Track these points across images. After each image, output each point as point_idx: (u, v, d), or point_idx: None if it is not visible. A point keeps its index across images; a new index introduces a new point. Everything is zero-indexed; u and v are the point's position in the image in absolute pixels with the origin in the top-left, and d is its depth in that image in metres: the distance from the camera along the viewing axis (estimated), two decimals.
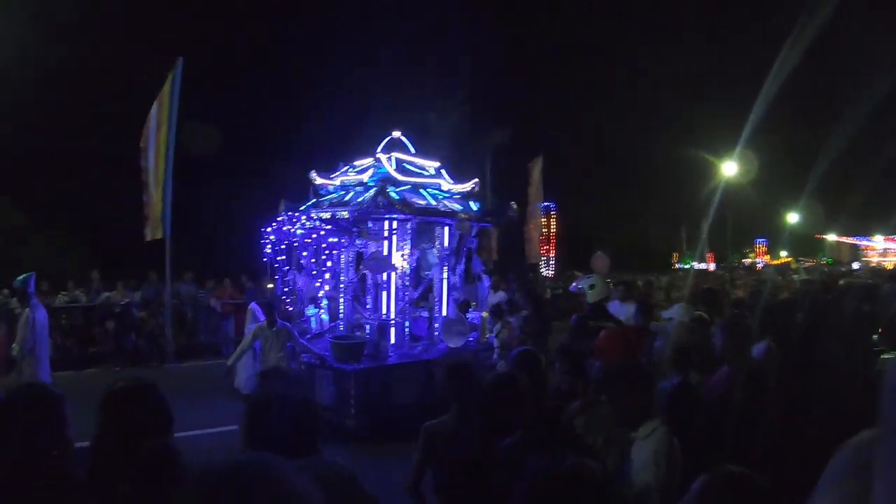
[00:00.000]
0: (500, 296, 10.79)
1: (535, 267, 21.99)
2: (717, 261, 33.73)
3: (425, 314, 9.06)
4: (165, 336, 12.63)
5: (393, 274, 8.12)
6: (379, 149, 8.89)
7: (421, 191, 8.53)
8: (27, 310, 7.19)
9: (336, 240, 7.90)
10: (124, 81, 17.80)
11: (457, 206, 8.61)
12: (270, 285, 9.01)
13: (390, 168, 8.17)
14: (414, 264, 9.05)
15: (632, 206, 33.17)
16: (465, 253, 9.16)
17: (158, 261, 12.98)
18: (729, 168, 26.34)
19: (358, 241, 8.13)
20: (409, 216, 7.94)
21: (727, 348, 3.96)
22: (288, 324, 7.39)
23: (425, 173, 8.75)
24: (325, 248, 7.87)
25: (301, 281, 8.60)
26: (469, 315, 9.13)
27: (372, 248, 8.32)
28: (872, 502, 1.01)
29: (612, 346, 4.53)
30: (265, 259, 8.42)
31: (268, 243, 8.33)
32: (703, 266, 32.42)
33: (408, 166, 8.72)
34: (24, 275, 7.33)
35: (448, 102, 22.69)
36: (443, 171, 9.17)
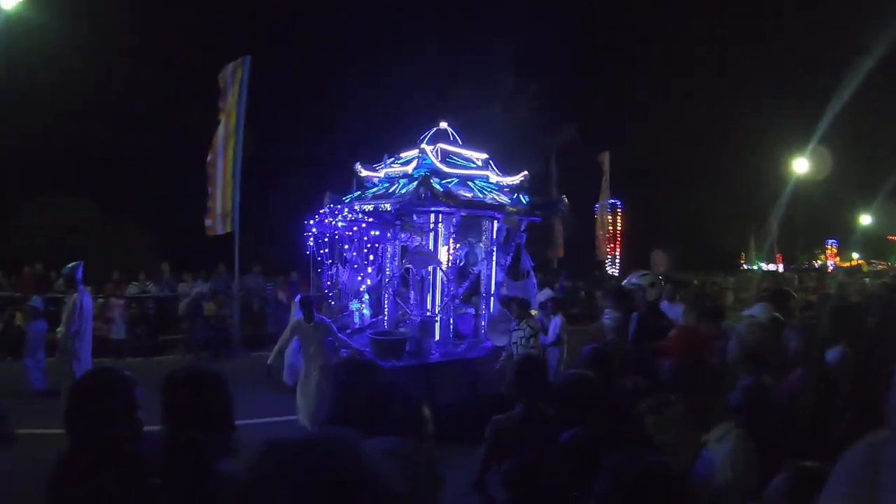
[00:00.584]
0: (547, 293, 10.19)
1: (602, 264, 21.24)
2: (786, 262, 31.72)
3: (472, 311, 8.59)
4: (233, 327, 12.70)
5: (437, 269, 7.67)
6: (425, 140, 8.48)
7: (468, 183, 8.06)
8: (74, 295, 7.25)
9: (378, 233, 7.54)
10: (192, 76, 17.99)
11: (504, 200, 8.09)
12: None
13: (435, 159, 7.75)
14: (462, 259, 8.62)
15: (700, 204, 31.48)
16: (513, 248, 8.65)
17: (227, 254, 13.10)
18: (800, 165, 24.65)
19: (402, 235, 7.74)
20: (453, 209, 7.48)
21: (801, 351, 3.86)
22: (327, 319, 7.07)
23: (472, 165, 8.27)
24: (366, 242, 7.50)
25: (344, 275, 8.30)
26: None
27: (417, 241, 7.93)
28: (883, 502, 0.99)
29: (683, 345, 4.36)
30: (308, 252, 8.15)
31: (310, 236, 8.06)
32: (771, 267, 30.59)
33: (454, 158, 8.28)
34: (73, 263, 7.39)
35: (512, 96, 22.13)
36: (491, 163, 8.66)
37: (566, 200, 8.60)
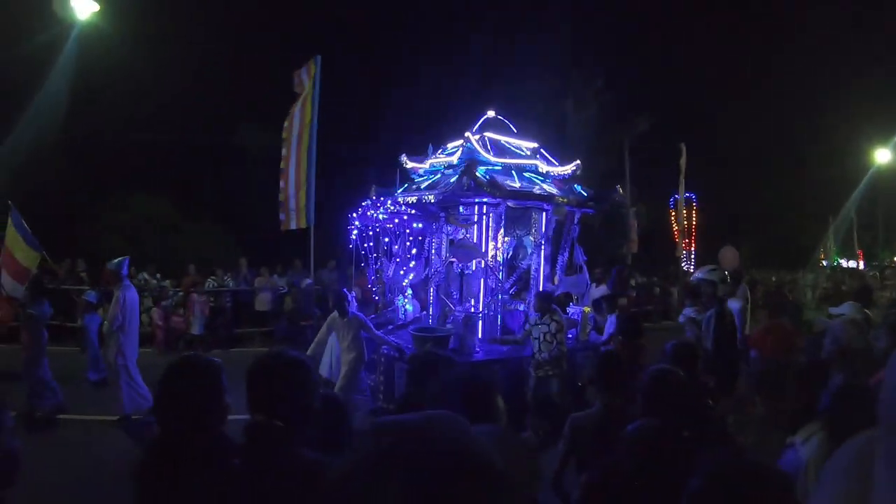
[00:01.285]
0: (602, 290, 9.47)
1: (678, 261, 20.27)
2: (866, 259, 29.24)
3: (522, 307, 8.02)
4: (308, 319, 12.71)
5: (482, 263, 7.15)
6: (473, 129, 7.97)
7: (514, 172, 7.50)
8: (119, 290, 7.17)
9: (420, 225, 7.09)
10: (264, 76, 18.13)
11: (554, 190, 7.48)
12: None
13: (480, 147, 7.22)
14: (509, 253, 8.08)
15: (778, 198, 29.43)
16: (566, 241, 8.02)
17: (303, 249, 13.14)
18: (882, 156, 22.53)
19: (448, 228, 7.27)
20: (498, 199, 6.94)
21: (889, 350, 3.53)
22: (360, 314, 6.71)
23: (521, 153, 7.69)
24: (408, 234, 7.08)
25: (389, 269, 7.92)
26: (570, 310, 7.98)
27: (461, 234, 7.44)
28: (872, 502, 0.96)
29: (770, 342, 4.29)
30: (351, 246, 7.80)
31: (353, 229, 7.72)
32: (851, 264, 28.27)
33: (501, 147, 7.72)
34: (118, 259, 7.37)
35: (582, 87, 21.24)
36: (542, 152, 8.05)
37: (620, 190, 7.88)
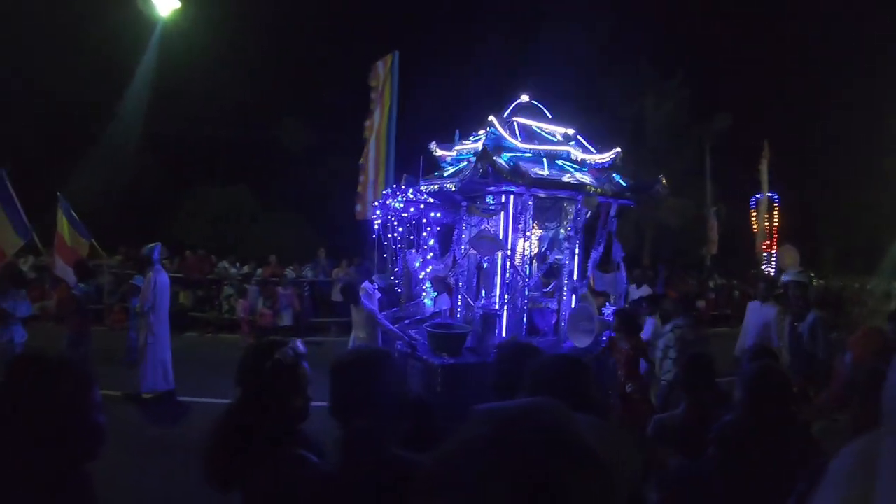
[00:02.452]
0: (644, 291, 8.47)
1: (758, 263, 18.74)
2: None
3: (554, 305, 7.22)
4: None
5: (503, 256, 6.43)
6: (504, 114, 7.23)
7: (545, 159, 6.71)
8: (150, 274, 7.13)
9: (439, 215, 6.47)
10: (339, 69, 18.05)
11: (587, 179, 6.62)
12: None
13: (504, 131, 6.48)
14: (545, 246, 7.30)
15: (863, 200, 26.42)
16: (602, 236, 7.13)
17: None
18: None
19: (473, 218, 6.61)
20: (521, 188, 6.19)
21: None
22: (373, 307, 6.20)
23: (552, 139, 6.88)
24: (426, 225, 6.48)
25: (413, 261, 7.36)
26: (605, 310, 7.11)
27: (484, 225, 6.75)
28: (877, 499, 0.93)
29: (865, 347, 3.92)
30: (374, 236, 7.30)
31: (376, 219, 7.20)
32: None
33: (532, 133, 6.93)
34: (151, 244, 7.33)
35: (664, 86, 19.80)
36: (580, 139, 7.20)
37: (664, 181, 6.88)
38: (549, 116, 7.47)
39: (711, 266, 17.17)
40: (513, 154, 6.64)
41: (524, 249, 6.69)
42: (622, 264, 7.23)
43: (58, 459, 1.39)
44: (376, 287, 7.58)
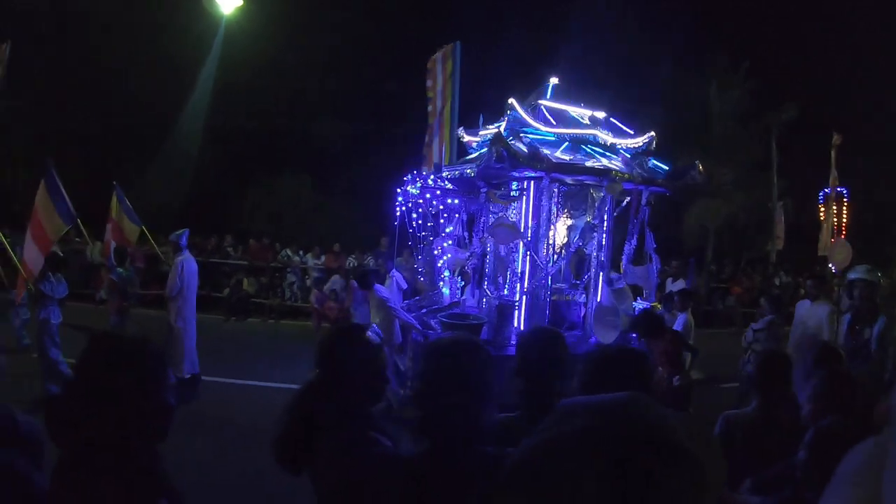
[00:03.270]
0: (680, 285, 7.76)
1: (825, 259, 17.25)
2: None
3: (582, 298, 6.73)
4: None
5: (523, 245, 6.01)
6: (531, 98, 6.77)
7: (571, 143, 6.21)
8: (178, 259, 7.17)
9: (456, 201, 6.13)
10: (396, 60, 17.92)
11: (615, 165, 6.07)
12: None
13: (524, 114, 6.02)
14: (574, 236, 6.80)
15: None
16: (634, 225, 6.55)
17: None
18: None
19: (491, 205, 6.23)
20: (540, 172, 5.74)
21: None
22: (385, 294, 5.98)
23: (579, 122, 6.35)
24: (443, 212, 6.16)
25: (436, 248, 7.05)
26: (636, 304, 6.55)
27: (500, 212, 6.35)
28: (885, 498, 0.93)
29: None
30: (396, 224, 7.04)
31: (398, 206, 6.94)
32: None
33: (558, 116, 6.44)
34: (179, 231, 7.41)
35: (730, 75, 18.44)
36: (613, 122, 6.64)
37: (700, 166, 6.20)
38: (581, 103, 6.95)
39: (777, 262, 15.82)
40: (536, 138, 6.18)
41: (548, 238, 6.23)
42: (654, 256, 6.61)
43: (136, 438, 1.39)
44: (403, 276, 7.36)
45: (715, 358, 7.77)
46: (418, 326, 6.09)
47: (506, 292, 6.47)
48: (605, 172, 5.84)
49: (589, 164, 5.91)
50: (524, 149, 5.70)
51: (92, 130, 17.92)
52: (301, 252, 16.61)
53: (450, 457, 1.66)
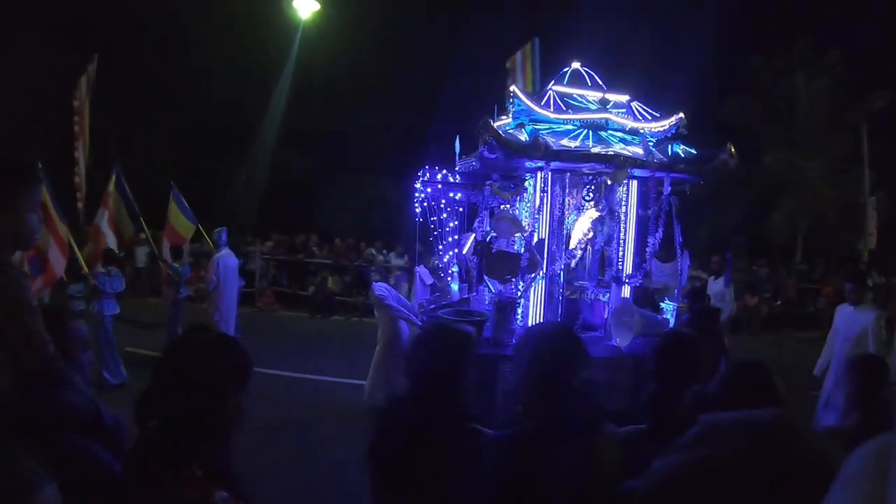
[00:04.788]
0: (721, 284, 6.72)
1: None
2: None
3: (606, 297, 6.05)
4: None
5: (522, 238, 5.48)
6: (550, 84, 6.18)
7: (589, 131, 5.55)
8: (216, 255, 7.41)
9: (459, 195, 5.72)
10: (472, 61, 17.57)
11: (629, 151, 5.35)
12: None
13: (528, 101, 5.47)
14: (595, 231, 6.13)
15: None
16: (657, 217, 5.76)
17: None
18: None
19: (490, 197, 5.76)
20: (538, 161, 5.17)
21: None
22: (383, 290, 5.71)
23: (589, 108, 5.67)
24: (444, 206, 5.78)
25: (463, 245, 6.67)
26: (663, 305, 5.77)
27: (515, 204, 5.83)
28: (891, 497, 0.90)
29: None
30: (417, 219, 6.73)
31: (417, 201, 6.63)
32: None
33: (571, 102, 5.79)
34: (218, 229, 7.67)
35: (818, 63, 16.36)
36: (634, 106, 5.89)
37: (731, 149, 5.29)
38: (603, 87, 6.24)
39: (870, 261, 13.66)
40: (544, 127, 5.59)
41: (561, 231, 5.64)
42: (683, 251, 5.76)
43: (208, 431, 1.40)
44: (423, 274, 7.05)
45: (802, 363, 6.69)
46: (417, 322, 5.75)
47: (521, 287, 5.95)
48: (611, 158, 5.15)
49: (595, 150, 5.24)
50: (523, 137, 5.17)
51: (178, 134, 18.98)
52: (385, 251, 16.71)
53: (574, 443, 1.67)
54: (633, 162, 5.17)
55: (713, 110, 16.36)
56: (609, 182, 5.39)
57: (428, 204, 6.71)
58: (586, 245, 6.26)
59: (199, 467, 1.34)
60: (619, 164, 5.07)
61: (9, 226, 1.79)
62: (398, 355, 5.94)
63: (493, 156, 5.17)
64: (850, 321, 4.93)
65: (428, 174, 6.23)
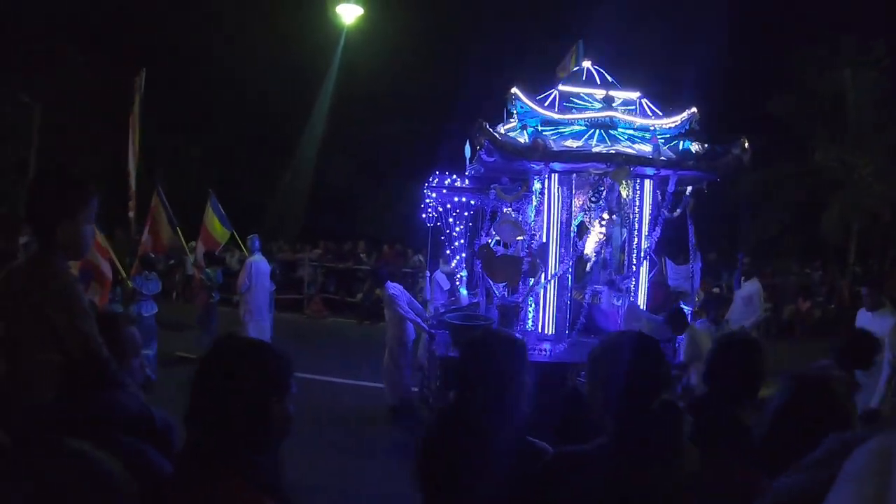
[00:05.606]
0: (753, 286, 6.25)
1: None
2: None
3: (619, 301, 5.78)
4: None
5: (526, 241, 5.32)
6: (558, 85, 6.00)
7: (592, 131, 5.35)
8: (248, 260, 7.87)
9: (464, 200, 5.64)
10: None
11: (632, 150, 5.10)
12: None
13: (530, 102, 5.31)
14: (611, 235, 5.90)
15: None
16: (656, 217, 5.46)
17: None
18: None
19: (496, 201, 5.64)
20: (538, 163, 5.01)
21: None
22: (394, 289, 5.71)
23: (594, 106, 5.45)
24: (451, 210, 5.71)
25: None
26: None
27: (530, 210, 5.67)
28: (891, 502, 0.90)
29: None
30: (429, 224, 6.69)
31: (431, 207, 6.58)
32: None
33: (576, 100, 5.60)
34: (251, 235, 7.89)
35: (863, 54, 15.26)
36: (643, 103, 5.62)
37: (745, 143, 4.93)
38: (613, 83, 6.00)
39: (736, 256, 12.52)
40: (554, 128, 5.41)
41: (569, 235, 5.43)
42: (696, 253, 5.42)
43: (252, 438, 1.37)
44: (442, 278, 6.99)
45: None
46: (424, 325, 5.70)
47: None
48: (612, 157, 4.91)
49: (598, 149, 5.02)
50: (523, 139, 5.02)
51: (222, 143, 19.43)
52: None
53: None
54: (637, 160, 4.91)
55: (759, 108, 15.50)
56: (648, 184, 5.14)
57: (441, 209, 6.65)
58: (601, 248, 6.02)
59: (249, 478, 1.31)
60: (619, 163, 4.83)
61: (66, 235, 1.87)
62: (403, 356, 5.94)
63: (492, 159, 5.05)
64: (868, 326, 4.45)
65: (437, 179, 6.17)
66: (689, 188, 5.83)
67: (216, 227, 9.21)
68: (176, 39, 17.08)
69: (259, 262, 7.76)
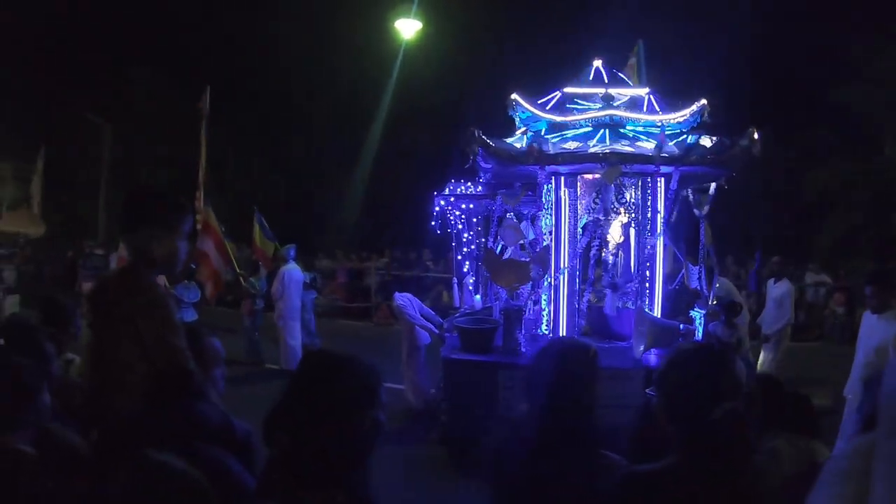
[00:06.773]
0: (785, 285, 5.75)
1: None
2: None
3: (631, 304, 5.58)
4: None
5: (522, 244, 5.23)
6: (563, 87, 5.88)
7: (602, 131, 5.20)
8: (283, 268, 8.09)
9: (471, 206, 5.64)
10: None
11: (631, 148, 4.90)
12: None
13: (530, 107, 5.24)
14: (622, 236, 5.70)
15: None
16: (655, 216, 5.19)
17: None
18: None
19: (501, 205, 5.59)
20: (535, 166, 4.93)
21: None
22: (403, 298, 5.77)
23: (592, 107, 5.28)
24: (459, 216, 5.72)
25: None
26: (693, 313, 5.18)
27: (544, 214, 5.58)
28: (873, 497, 0.91)
29: None
30: (440, 232, 6.71)
31: (436, 212, 6.60)
32: None
33: (580, 101, 5.47)
34: (287, 245, 8.35)
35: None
36: (652, 99, 5.41)
37: (754, 134, 4.59)
38: (631, 83, 5.82)
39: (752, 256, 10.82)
40: (559, 131, 5.30)
41: (574, 238, 5.28)
42: (708, 251, 5.10)
43: (353, 455, 1.35)
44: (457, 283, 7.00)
45: None
46: (434, 330, 5.72)
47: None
48: (606, 157, 4.73)
49: (594, 150, 4.85)
50: (518, 145, 4.95)
51: (289, 158, 19.87)
52: None
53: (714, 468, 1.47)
54: (633, 158, 4.70)
55: (823, 101, 14.37)
56: (661, 182, 4.94)
57: (456, 216, 6.65)
58: (618, 251, 5.80)
59: (341, 493, 1.29)
60: (612, 163, 4.63)
61: (163, 250, 1.93)
62: (418, 360, 5.99)
63: (489, 165, 5.01)
64: (871, 330, 3.94)
65: (448, 188, 6.19)
66: (713, 185, 5.51)
67: (263, 241, 9.70)
68: (244, 58, 17.64)
69: (292, 271, 8.06)
